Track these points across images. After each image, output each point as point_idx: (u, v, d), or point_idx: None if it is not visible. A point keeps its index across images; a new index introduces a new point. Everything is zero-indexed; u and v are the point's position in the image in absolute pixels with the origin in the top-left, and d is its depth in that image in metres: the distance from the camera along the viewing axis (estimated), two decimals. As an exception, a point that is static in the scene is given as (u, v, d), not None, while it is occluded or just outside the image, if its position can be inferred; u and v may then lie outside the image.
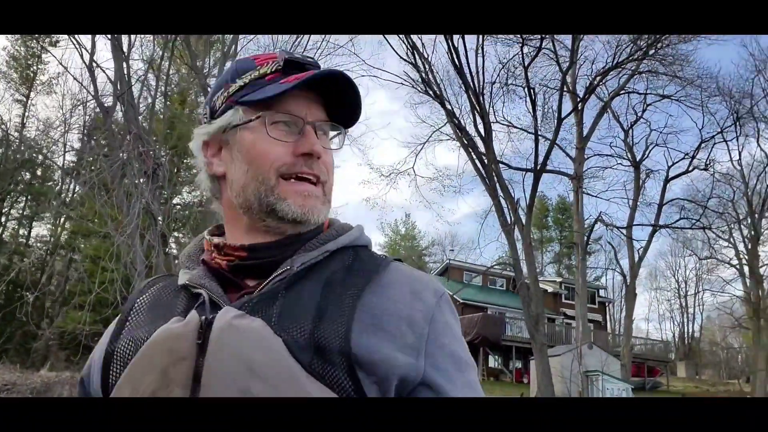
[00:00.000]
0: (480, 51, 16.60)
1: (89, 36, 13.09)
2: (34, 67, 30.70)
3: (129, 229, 9.73)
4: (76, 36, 12.35)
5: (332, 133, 0.95)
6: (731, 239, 23.82)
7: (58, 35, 21.15)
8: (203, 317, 0.79)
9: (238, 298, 0.84)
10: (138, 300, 0.93)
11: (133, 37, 14.12)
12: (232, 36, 15.93)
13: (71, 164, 30.46)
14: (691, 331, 49.01)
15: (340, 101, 0.90)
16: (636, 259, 21.85)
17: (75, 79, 18.44)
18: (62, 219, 29.01)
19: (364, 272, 0.84)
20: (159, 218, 11.08)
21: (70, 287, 23.12)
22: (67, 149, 30.71)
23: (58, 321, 22.13)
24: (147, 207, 10.13)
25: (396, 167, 19.95)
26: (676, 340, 51.72)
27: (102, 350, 0.89)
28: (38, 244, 30.01)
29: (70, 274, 25.86)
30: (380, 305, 0.79)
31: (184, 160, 24.20)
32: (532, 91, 16.62)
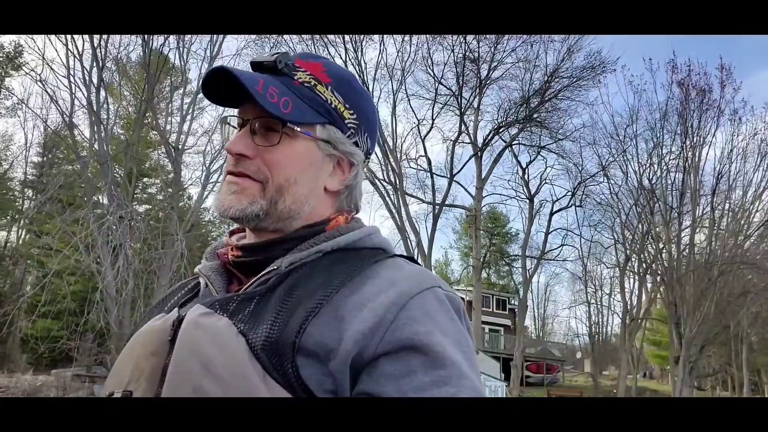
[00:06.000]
0: (394, 115, 20.65)
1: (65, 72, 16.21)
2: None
3: (108, 275, 13.22)
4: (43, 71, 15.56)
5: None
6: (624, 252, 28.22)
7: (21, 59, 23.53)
8: (179, 314, 0.79)
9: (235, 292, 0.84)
10: (175, 290, 0.96)
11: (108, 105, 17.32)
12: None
13: (32, 176, 32.72)
14: (601, 331, 54.55)
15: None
16: (527, 277, 26.36)
17: (46, 124, 21.25)
18: (23, 231, 31.23)
19: (348, 270, 0.79)
20: (132, 258, 14.47)
21: (33, 297, 25.26)
22: (28, 163, 33.03)
23: (24, 326, 24.48)
24: (125, 255, 13.59)
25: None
26: (591, 338, 57.28)
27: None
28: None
29: (31, 282, 28.20)
30: (350, 299, 0.74)
31: (141, 180, 27.18)
32: (428, 159, 20.94)
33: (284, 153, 0.86)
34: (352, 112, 0.92)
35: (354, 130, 0.92)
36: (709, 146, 21.80)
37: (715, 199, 21.38)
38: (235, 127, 0.91)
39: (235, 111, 0.91)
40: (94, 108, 15.77)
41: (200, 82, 1.00)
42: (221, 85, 0.85)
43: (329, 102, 0.89)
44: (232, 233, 0.98)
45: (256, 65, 0.88)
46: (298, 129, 0.86)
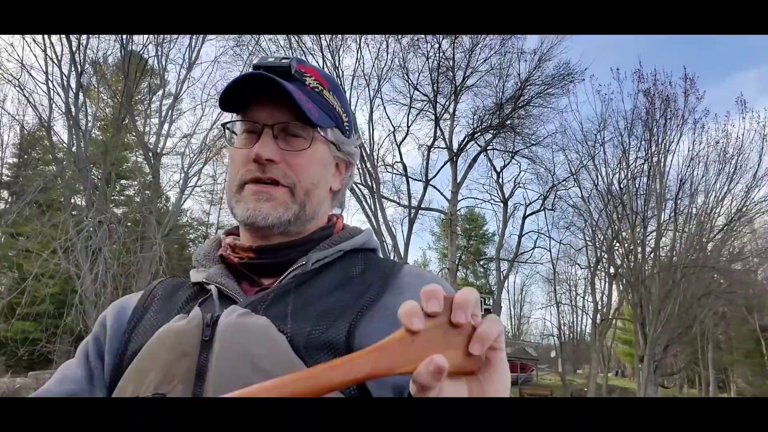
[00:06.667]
0: (370, 122, 21.12)
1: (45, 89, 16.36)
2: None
3: (87, 279, 13.45)
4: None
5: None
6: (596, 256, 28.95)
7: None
8: (208, 314, 0.79)
9: (254, 294, 0.85)
10: (157, 287, 0.96)
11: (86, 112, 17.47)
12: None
13: (7, 178, 32.53)
14: (575, 330, 55.57)
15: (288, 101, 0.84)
16: (501, 279, 27.00)
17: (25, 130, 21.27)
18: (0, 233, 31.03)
19: (380, 275, 0.85)
20: (111, 262, 14.69)
21: (11, 300, 25.12)
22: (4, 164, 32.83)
23: (2, 329, 24.39)
24: (104, 259, 13.83)
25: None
26: (564, 338, 58.37)
27: (126, 316, 0.91)
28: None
29: (5, 284, 28.06)
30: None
31: (118, 182, 27.25)
32: (404, 165, 21.60)
33: (308, 157, 0.89)
34: (345, 114, 0.97)
35: (348, 131, 0.98)
36: (674, 153, 22.55)
37: (678, 204, 22.20)
38: (235, 133, 0.92)
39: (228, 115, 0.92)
40: (73, 113, 15.95)
41: (226, 85, 0.87)
42: (244, 90, 0.86)
43: (333, 106, 0.94)
44: (228, 233, 0.99)
45: (268, 69, 0.88)
46: (321, 133, 0.90)
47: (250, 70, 0.88)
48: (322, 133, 0.90)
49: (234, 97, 0.88)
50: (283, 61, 0.89)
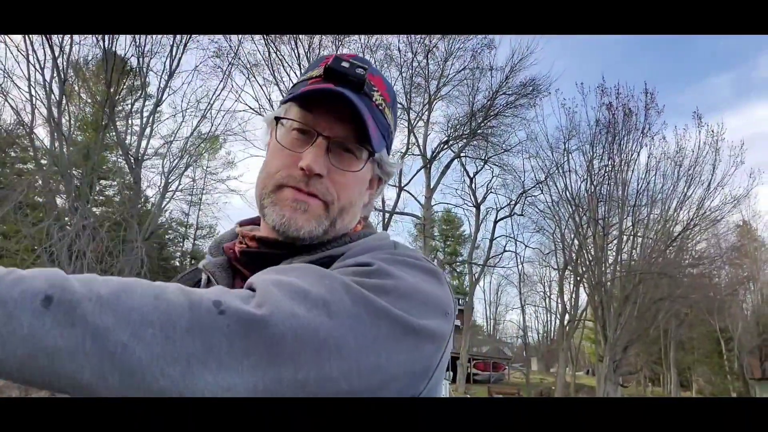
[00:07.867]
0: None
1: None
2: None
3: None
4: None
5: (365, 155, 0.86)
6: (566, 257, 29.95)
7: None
8: None
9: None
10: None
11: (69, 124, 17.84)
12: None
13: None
14: (549, 329, 56.79)
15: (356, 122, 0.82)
16: (473, 281, 27.94)
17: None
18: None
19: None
20: (94, 266, 15.17)
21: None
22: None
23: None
24: (87, 263, 14.37)
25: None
26: (539, 337, 59.59)
27: None
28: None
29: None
30: None
31: (99, 182, 27.49)
32: None
33: (353, 177, 0.87)
34: (394, 132, 0.94)
35: (390, 148, 0.95)
36: (635, 164, 23.61)
37: (637, 213, 23.30)
38: (281, 122, 0.88)
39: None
40: (55, 118, 16.35)
41: (304, 92, 0.84)
42: (319, 101, 0.83)
43: (389, 125, 0.92)
44: (242, 224, 0.97)
45: (341, 75, 0.85)
46: (375, 156, 0.88)
47: (327, 58, 0.87)
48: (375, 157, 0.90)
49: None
50: (358, 71, 0.86)
